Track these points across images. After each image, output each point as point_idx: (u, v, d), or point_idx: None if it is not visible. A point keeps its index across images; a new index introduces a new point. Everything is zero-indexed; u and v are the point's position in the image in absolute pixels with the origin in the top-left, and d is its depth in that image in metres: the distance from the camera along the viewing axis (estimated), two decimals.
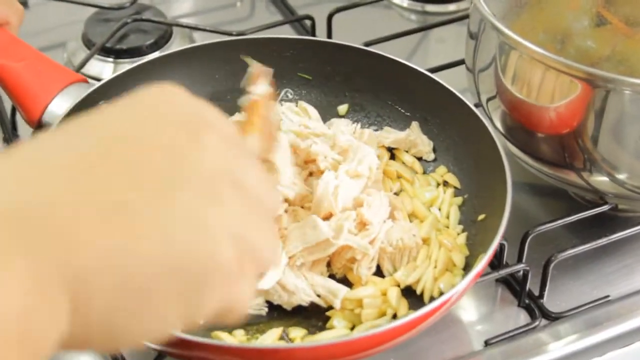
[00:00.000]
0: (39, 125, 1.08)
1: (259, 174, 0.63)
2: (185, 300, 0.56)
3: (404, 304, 0.95)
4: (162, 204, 0.55)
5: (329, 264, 0.99)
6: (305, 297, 0.94)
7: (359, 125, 1.15)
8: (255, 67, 0.97)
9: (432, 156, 1.12)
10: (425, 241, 1.01)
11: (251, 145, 0.80)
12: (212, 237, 0.57)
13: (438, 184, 1.09)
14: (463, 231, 1.03)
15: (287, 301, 0.94)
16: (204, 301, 0.57)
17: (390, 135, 1.12)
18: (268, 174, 0.66)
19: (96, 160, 0.55)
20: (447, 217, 1.05)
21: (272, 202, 0.64)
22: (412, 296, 0.97)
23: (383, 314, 0.94)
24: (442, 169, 1.11)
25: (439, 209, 1.06)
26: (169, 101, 0.62)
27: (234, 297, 0.59)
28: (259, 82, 0.94)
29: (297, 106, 1.17)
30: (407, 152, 1.12)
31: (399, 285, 0.97)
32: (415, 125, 1.13)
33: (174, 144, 0.58)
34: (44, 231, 0.51)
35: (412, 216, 1.06)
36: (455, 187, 1.08)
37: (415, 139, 1.11)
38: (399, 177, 1.10)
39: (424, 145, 1.12)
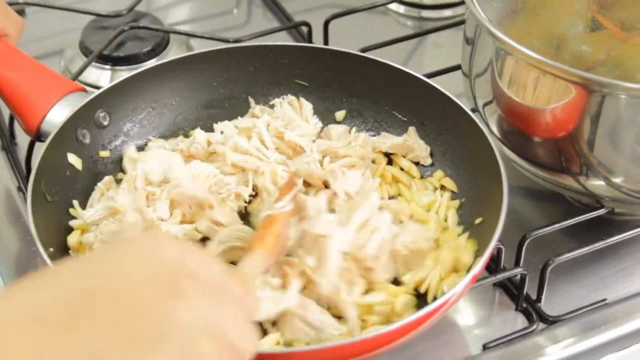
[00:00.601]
0: (37, 135, 1.08)
1: (237, 321, 0.65)
2: None
3: (411, 312, 0.94)
4: None
5: None
6: (334, 331, 0.92)
7: (356, 129, 1.15)
8: (290, 179, 0.99)
9: (429, 161, 1.12)
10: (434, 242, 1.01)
11: (253, 265, 0.84)
12: None
13: (435, 188, 1.10)
14: (463, 232, 1.03)
15: (316, 337, 0.92)
16: None
17: (388, 141, 1.13)
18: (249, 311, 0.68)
19: (76, 316, 0.58)
20: (446, 220, 1.05)
21: (249, 345, 0.66)
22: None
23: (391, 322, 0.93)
24: (439, 174, 1.11)
25: (437, 213, 1.06)
26: (153, 251, 0.64)
27: None
28: (286, 197, 0.95)
29: (298, 100, 1.17)
30: (404, 157, 1.13)
31: (415, 294, 0.97)
32: (412, 130, 1.13)
33: (152, 302, 0.60)
34: None
35: (410, 220, 1.06)
36: (452, 192, 1.09)
37: (412, 144, 1.12)
38: (397, 181, 1.10)
39: (421, 150, 1.12)
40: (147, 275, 0.61)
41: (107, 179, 1.08)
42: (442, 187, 1.10)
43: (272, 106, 1.17)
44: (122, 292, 0.60)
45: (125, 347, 0.57)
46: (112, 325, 0.58)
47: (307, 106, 1.16)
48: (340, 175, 1.05)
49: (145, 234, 0.67)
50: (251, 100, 1.18)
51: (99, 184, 1.08)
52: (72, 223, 1.03)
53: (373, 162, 1.12)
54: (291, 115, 1.14)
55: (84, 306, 0.59)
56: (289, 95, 1.18)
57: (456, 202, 1.07)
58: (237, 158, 1.07)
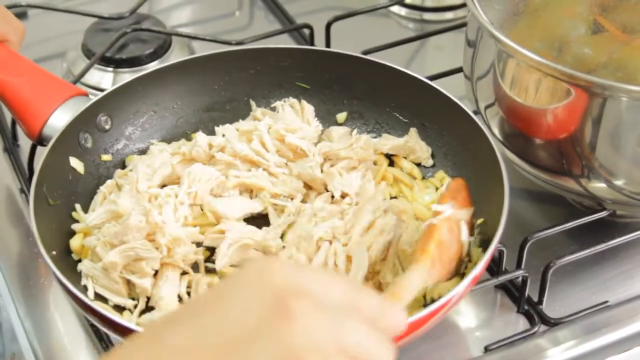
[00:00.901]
0: (39, 139, 1.08)
1: (365, 331, 0.62)
2: None
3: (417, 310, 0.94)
4: None
5: None
6: None
7: (357, 131, 1.15)
8: (455, 184, 0.95)
9: (430, 162, 1.12)
10: None
11: (412, 278, 0.80)
12: None
13: (437, 189, 1.10)
14: None
15: None
16: None
17: (389, 142, 1.13)
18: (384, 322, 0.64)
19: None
20: None
21: (384, 353, 0.63)
22: None
23: None
24: (440, 174, 1.11)
25: None
26: (260, 279, 0.62)
27: None
28: (448, 202, 0.92)
29: (300, 103, 1.17)
30: (405, 158, 1.13)
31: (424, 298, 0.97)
32: (413, 131, 1.13)
33: (259, 329, 0.58)
34: None
35: (413, 219, 1.07)
36: None
37: (413, 145, 1.12)
38: (398, 182, 1.11)
39: (423, 152, 1.12)
40: (259, 302, 0.60)
41: (110, 182, 1.08)
42: None
43: (273, 109, 1.17)
44: (232, 325, 0.59)
45: None
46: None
47: (309, 108, 1.17)
48: (337, 176, 1.06)
49: (253, 262, 0.64)
50: (252, 103, 1.18)
51: (102, 188, 1.08)
52: (74, 227, 1.03)
53: (374, 163, 1.12)
54: (292, 118, 1.14)
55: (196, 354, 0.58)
56: (290, 97, 1.18)
57: None
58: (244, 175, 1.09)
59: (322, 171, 1.09)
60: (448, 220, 0.92)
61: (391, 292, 0.78)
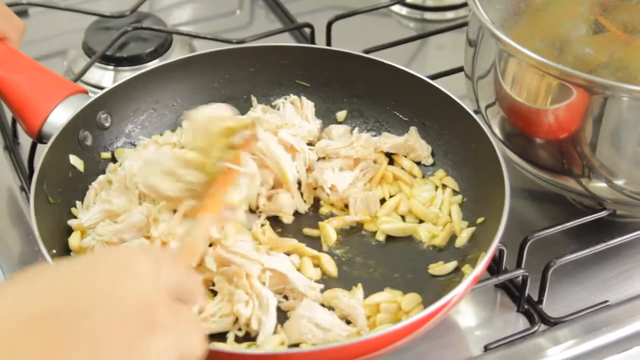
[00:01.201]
0: (39, 137, 1.08)
1: (194, 334, 0.69)
2: None
3: (418, 310, 0.95)
4: None
5: None
6: (342, 332, 0.92)
7: (357, 129, 1.15)
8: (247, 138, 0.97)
9: (430, 160, 1.12)
10: None
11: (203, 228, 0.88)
12: None
13: (437, 187, 1.10)
14: (469, 227, 1.04)
15: (323, 338, 0.92)
16: None
17: (389, 141, 1.13)
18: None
19: (47, 344, 0.59)
20: (449, 215, 1.06)
21: (199, 350, 0.69)
22: None
23: (399, 321, 0.93)
24: (440, 172, 1.11)
25: (440, 209, 1.07)
26: (126, 269, 0.66)
27: None
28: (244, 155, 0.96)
29: (300, 99, 1.17)
30: (405, 157, 1.13)
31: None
32: (413, 130, 1.13)
33: (126, 329, 0.62)
34: None
35: (410, 215, 1.07)
36: (454, 190, 1.09)
37: (413, 144, 1.12)
38: (397, 179, 1.11)
39: (423, 150, 1.12)
40: (122, 304, 0.63)
41: (102, 178, 1.08)
42: (444, 187, 1.10)
43: (274, 107, 1.17)
44: (92, 318, 0.61)
45: None
46: (88, 354, 0.60)
47: (308, 105, 1.17)
48: (329, 170, 1.07)
49: (116, 250, 0.72)
50: (253, 99, 1.18)
51: (93, 184, 1.07)
52: (70, 223, 1.03)
53: (374, 162, 1.12)
54: (290, 115, 1.14)
55: (59, 330, 0.60)
56: (291, 95, 1.18)
57: (458, 197, 1.08)
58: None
59: (311, 170, 1.10)
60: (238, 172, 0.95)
61: (186, 246, 0.86)
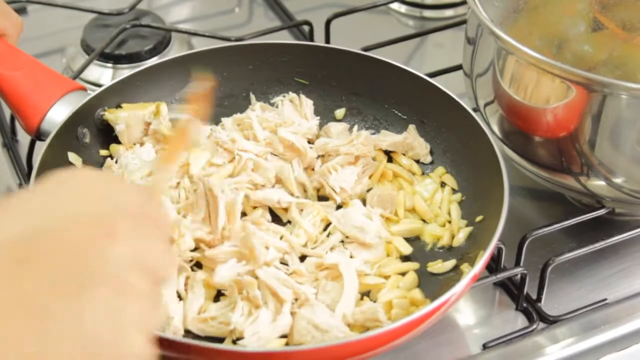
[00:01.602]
0: (37, 134, 1.08)
1: (157, 248, 0.68)
2: None
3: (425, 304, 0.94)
4: (76, 305, 0.60)
5: None
6: (339, 333, 0.91)
7: (357, 127, 1.15)
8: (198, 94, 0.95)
9: (429, 159, 1.12)
10: None
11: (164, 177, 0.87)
12: (121, 327, 0.62)
13: (436, 184, 1.10)
14: (467, 225, 1.04)
15: (322, 339, 0.91)
16: None
17: (387, 139, 1.13)
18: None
19: (16, 261, 0.61)
20: (449, 214, 1.06)
21: (166, 267, 0.69)
22: None
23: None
24: (440, 170, 1.11)
25: (439, 208, 1.07)
26: (90, 190, 0.68)
27: None
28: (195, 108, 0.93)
29: (299, 97, 1.17)
30: (404, 155, 1.13)
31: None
32: (412, 128, 1.13)
33: (87, 243, 0.63)
34: None
35: (412, 212, 1.07)
36: (452, 189, 1.09)
37: (412, 142, 1.12)
38: (397, 177, 1.11)
39: (421, 148, 1.12)
40: (85, 217, 0.64)
41: None
42: (443, 185, 1.10)
43: (272, 104, 1.17)
44: (60, 235, 0.63)
45: (59, 289, 0.60)
46: (48, 269, 0.61)
47: (307, 103, 1.16)
48: (333, 173, 1.07)
49: (78, 172, 0.71)
50: (252, 96, 1.18)
51: None
52: None
53: (373, 159, 1.12)
54: (289, 113, 1.14)
55: (24, 250, 0.61)
56: (290, 92, 1.18)
57: (457, 196, 1.08)
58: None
59: (310, 167, 1.10)
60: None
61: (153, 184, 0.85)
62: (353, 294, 0.95)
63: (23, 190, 0.69)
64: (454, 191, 1.09)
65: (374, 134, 1.15)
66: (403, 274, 1.00)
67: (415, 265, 1.01)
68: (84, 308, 0.60)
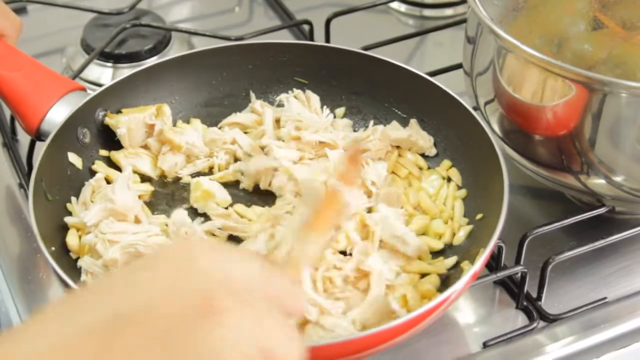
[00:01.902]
0: (37, 134, 1.08)
1: (280, 329, 0.61)
2: None
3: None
4: None
5: None
6: (342, 331, 0.91)
7: (372, 123, 1.15)
8: (353, 152, 0.93)
9: (434, 151, 1.12)
10: None
11: (310, 246, 0.79)
12: None
13: (443, 178, 1.10)
14: (468, 224, 1.04)
15: (323, 336, 0.92)
16: None
17: (392, 134, 1.12)
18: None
19: (108, 348, 0.56)
20: (452, 209, 1.06)
21: (292, 351, 0.62)
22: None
23: None
24: (446, 163, 1.11)
25: (444, 204, 1.07)
26: (187, 264, 0.60)
27: None
28: (350, 172, 0.90)
29: (305, 93, 1.17)
30: (409, 150, 1.13)
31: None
32: (414, 122, 1.13)
33: (189, 324, 0.57)
34: None
35: (417, 209, 1.07)
36: (457, 185, 1.09)
37: (415, 138, 1.12)
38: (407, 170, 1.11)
39: (425, 141, 1.12)
40: (183, 295, 0.58)
41: (99, 175, 1.07)
42: (448, 180, 1.10)
43: (272, 103, 1.17)
44: (155, 315, 0.57)
45: None
46: (147, 353, 0.56)
47: (315, 98, 1.16)
48: (365, 166, 1.06)
49: (176, 244, 0.64)
50: (252, 95, 1.18)
51: (91, 180, 1.06)
52: (67, 220, 1.03)
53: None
54: (300, 110, 1.14)
55: (116, 335, 0.56)
56: (294, 89, 1.18)
57: (462, 192, 1.08)
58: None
59: None
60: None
61: (293, 263, 0.77)
62: (372, 306, 0.94)
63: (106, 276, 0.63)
64: (458, 187, 1.09)
65: None
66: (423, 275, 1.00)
67: (440, 268, 0.99)
68: None
